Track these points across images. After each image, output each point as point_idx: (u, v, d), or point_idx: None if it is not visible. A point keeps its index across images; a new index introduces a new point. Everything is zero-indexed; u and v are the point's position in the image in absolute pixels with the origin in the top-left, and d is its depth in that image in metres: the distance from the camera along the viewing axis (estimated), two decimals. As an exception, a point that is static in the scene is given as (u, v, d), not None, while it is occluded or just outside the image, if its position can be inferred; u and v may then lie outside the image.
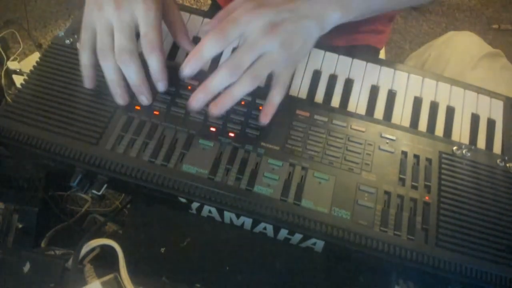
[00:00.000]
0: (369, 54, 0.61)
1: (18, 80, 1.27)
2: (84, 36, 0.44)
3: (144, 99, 0.45)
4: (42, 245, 0.56)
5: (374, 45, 0.76)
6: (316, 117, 0.47)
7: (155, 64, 0.43)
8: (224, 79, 0.40)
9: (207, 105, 0.42)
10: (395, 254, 0.40)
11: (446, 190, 0.43)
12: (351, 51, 0.53)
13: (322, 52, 0.52)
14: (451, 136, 0.48)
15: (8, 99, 1.02)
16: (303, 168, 0.43)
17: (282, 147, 0.44)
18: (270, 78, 0.44)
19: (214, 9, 0.82)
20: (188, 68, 0.41)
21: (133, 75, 0.43)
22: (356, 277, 0.47)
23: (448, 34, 0.78)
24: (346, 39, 0.72)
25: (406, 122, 0.49)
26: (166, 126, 0.44)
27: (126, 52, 0.42)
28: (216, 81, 0.41)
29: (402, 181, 0.43)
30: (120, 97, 0.44)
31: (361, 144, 0.45)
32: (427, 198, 0.43)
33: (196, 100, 0.42)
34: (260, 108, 0.46)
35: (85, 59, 0.44)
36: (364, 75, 0.51)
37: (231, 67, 0.40)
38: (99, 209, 0.88)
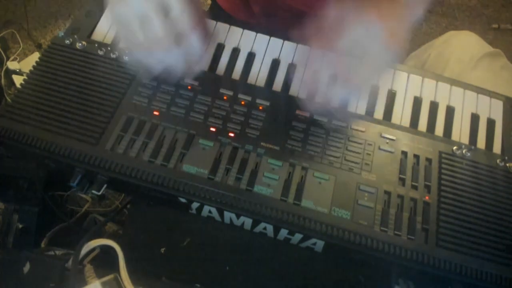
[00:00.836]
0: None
1: (18, 80, 1.27)
2: (121, 33, 0.45)
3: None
4: (42, 245, 0.56)
5: None
6: (316, 117, 0.47)
7: (196, 41, 0.43)
8: None
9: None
10: (395, 254, 0.40)
11: (446, 190, 0.43)
12: None
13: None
14: (451, 136, 0.48)
15: (8, 99, 1.02)
16: (303, 168, 0.43)
17: (282, 147, 0.44)
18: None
19: (214, 10, 0.82)
20: None
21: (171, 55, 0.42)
22: (356, 277, 0.47)
23: (448, 34, 0.78)
24: None
25: (406, 122, 0.49)
26: (166, 126, 0.44)
27: (162, 35, 0.40)
28: None
29: (402, 181, 0.43)
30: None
31: (361, 144, 0.45)
32: (427, 198, 0.43)
33: None
34: (261, 108, 0.47)
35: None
36: (364, 75, 0.51)
37: None
38: (99, 209, 0.88)
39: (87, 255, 0.46)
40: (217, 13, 0.78)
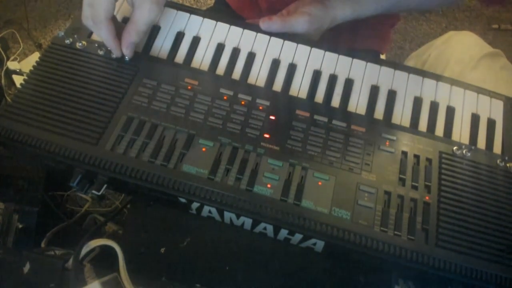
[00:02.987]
0: (370, 57, 0.61)
1: (18, 80, 1.27)
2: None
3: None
4: (42, 245, 0.56)
5: (376, 49, 0.76)
6: (316, 117, 0.47)
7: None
8: None
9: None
10: (395, 254, 0.40)
11: (446, 190, 0.43)
12: (352, 54, 0.53)
13: (322, 52, 0.52)
14: (451, 136, 0.48)
15: (8, 99, 1.02)
16: (303, 168, 0.43)
17: (282, 147, 0.44)
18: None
19: (218, 5, 0.82)
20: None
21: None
22: (356, 277, 0.47)
23: (448, 34, 0.78)
24: (348, 42, 0.72)
25: (406, 122, 0.49)
26: (166, 126, 0.44)
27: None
28: None
29: (402, 181, 0.43)
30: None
31: (361, 144, 0.45)
32: (427, 198, 0.43)
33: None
34: (261, 108, 0.47)
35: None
36: (364, 75, 0.51)
37: None
38: (99, 209, 0.88)
39: (87, 255, 0.46)
40: (222, 11, 0.78)
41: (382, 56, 0.81)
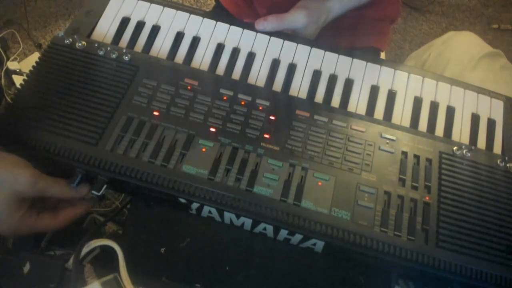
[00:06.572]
0: (370, 55, 0.61)
1: (18, 80, 1.27)
2: None
3: None
4: (42, 245, 0.56)
5: (376, 46, 0.76)
6: (316, 117, 0.47)
7: None
8: None
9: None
10: (395, 254, 0.40)
11: (446, 190, 0.43)
12: (353, 52, 0.53)
13: (322, 52, 0.52)
14: (451, 136, 0.48)
15: (8, 99, 1.02)
16: (303, 168, 0.43)
17: (282, 147, 0.44)
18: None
19: (217, 10, 0.82)
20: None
21: None
22: (356, 277, 0.47)
23: (448, 34, 0.78)
24: (348, 40, 0.72)
25: (406, 122, 0.49)
26: (166, 126, 0.44)
27: None
28: None
29: (402, 181, 0.43)
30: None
31: (361, 144, 0.45)
32: (427, 198, 0.43)
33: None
34: (260, 108, 0.47)
35: None
36: (364, 75, 0.51)
37: None
38: (99, 209, 0.88)
39: (87, 255, 0.46)
40: (221, 14, 0.78)
41: (382, 55, 0.81)
